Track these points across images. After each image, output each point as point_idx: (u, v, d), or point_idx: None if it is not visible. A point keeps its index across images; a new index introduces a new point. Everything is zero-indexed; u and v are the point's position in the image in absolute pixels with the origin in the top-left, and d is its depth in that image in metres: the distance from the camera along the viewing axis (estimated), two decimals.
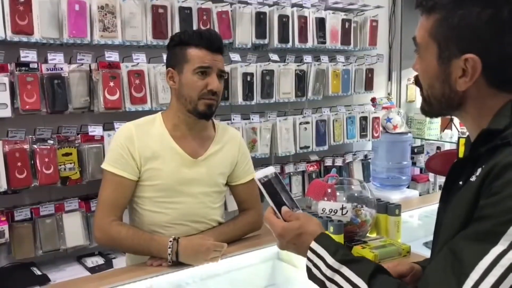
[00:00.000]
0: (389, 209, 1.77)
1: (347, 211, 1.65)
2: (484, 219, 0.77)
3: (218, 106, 1.75)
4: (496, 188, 0.77)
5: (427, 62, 0.93)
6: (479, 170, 0.84)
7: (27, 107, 2.01)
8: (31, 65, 2.02)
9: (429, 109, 0.97)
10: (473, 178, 0.85)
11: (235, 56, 2.56)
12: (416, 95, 3.89)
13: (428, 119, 3.69)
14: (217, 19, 2.54)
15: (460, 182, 0.90)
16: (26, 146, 2.04)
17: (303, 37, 2.87)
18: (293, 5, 2.83)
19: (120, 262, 2.15)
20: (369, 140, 3.34)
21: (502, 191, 0.76)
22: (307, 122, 2.93)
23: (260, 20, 2.70)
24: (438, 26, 0.89)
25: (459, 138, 2.29)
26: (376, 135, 3.31)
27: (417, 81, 0.98)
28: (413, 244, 1.66)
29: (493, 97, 0.88)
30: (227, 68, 2.59)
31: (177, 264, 1.58)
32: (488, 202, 0.77)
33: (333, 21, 3.02)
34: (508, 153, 0.79)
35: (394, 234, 1.75)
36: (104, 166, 1.69)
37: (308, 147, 2.95)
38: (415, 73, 0.99)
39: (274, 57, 2.71)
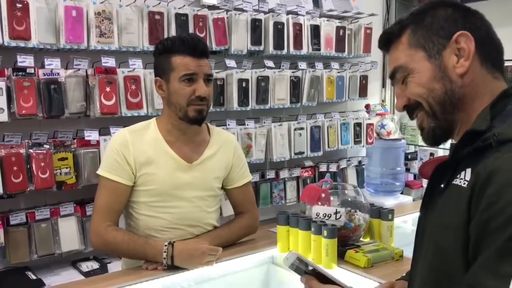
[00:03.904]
0: (382, 214, 1.79)
1: (340, 215, 1.67)
2: (490, 236, 0.74)
3: (209, 109, 1.76)
4: (492, 197, 0.75)
5: (419, 71, 0.94)
6: (463, 172, 0.85)
7: (23, 111, 2.01)
8: (28, 70, 2.03)
9: (436, 123, 0.95)
10: (456, 181, 0.86)
11: (231, 62, 2.58)
12: None
13: None
14: (213, 26, 2.56)
15: (442, 185, 0.91)
16: (22, 151, 2.05)
17: (298, 44, 2.90)
18: (288, 13, 2.86)
19: (115, 266, 2.15)
20: (363, 146, 3.36)
21: (499, 200, 0.74)
22: (302, 128, 2.95)
23: (256, 27, 2.72)
24: (415, 33, 0.94)
25: (451, 144, 2.31)
26: (370, 141, 3.33)
27: (409, 109, 0.98)
28: (406, 248, 1.66)
29: (486, 79, 0.91)
30: (222, 74, 2.61)
31: (172, 267, 1.59)
32: (491, 214, 0.75)
33: (328, 29, 3.05)
34: (494, 157, 0.78)
35: (387, 238, 1.78)
36: (99, 172, 1.71)
37: (303, 152, 2.97)
38: None
39: (269, 63, 2.73)
